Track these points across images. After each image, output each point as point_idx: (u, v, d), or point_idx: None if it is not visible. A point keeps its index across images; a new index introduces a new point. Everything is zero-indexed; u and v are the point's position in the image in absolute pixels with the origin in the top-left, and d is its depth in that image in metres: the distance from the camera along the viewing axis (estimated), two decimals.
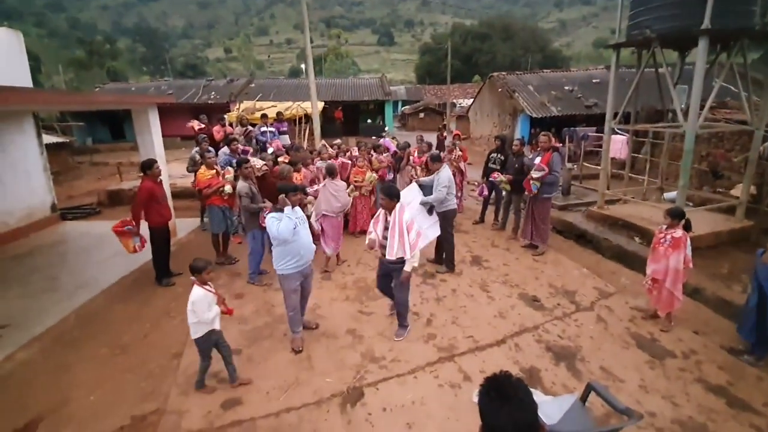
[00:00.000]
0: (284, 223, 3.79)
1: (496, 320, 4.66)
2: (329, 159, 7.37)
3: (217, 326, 3.48)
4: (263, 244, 5.61)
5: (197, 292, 3.36)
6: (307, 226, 4.14)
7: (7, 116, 7.78)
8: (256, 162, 6.41)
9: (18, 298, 5.26)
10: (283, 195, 3.93)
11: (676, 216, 4.29)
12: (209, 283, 3.48)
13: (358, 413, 3.32)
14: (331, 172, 5.95)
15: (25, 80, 8.05)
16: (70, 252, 7.07)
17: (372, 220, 4.28)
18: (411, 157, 7.94)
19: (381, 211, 4.16)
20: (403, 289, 4.22)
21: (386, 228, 4.04)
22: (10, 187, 7.69)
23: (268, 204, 5.34)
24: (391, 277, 4.28)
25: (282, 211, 3.89)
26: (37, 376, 3.88)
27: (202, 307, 3.34)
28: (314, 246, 4.18)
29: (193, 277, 3.41)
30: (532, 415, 1.38)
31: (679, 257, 4.18)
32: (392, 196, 4.01)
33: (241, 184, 5.42)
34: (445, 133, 16.08)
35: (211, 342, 3.51)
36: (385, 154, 7.87)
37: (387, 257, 4.01)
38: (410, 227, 3.95)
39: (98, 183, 13.18)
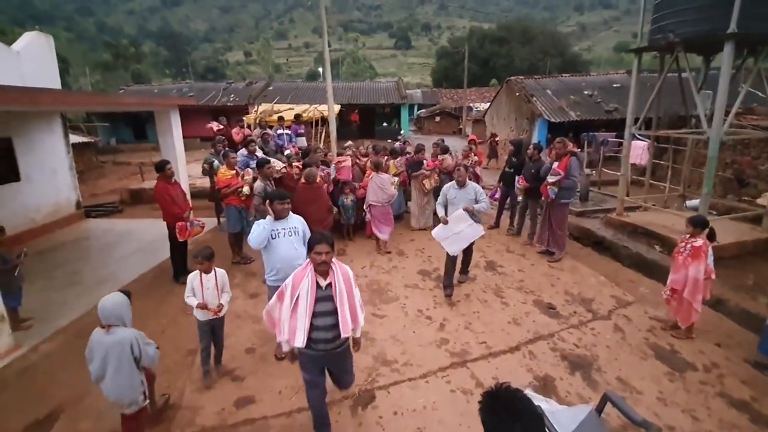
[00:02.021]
0: (256, 232, 3.54)
1: (510, 327, 4.60)
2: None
3: (201, 317, 3.58)
4: None
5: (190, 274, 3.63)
6: (297, 240, 3.68)
7: (37, 116, 8.08)
8: (277, 163, 6.52)
9: (42, 291, 5.43)
10: (268, 202, 3.72)
11: (698, 224, 4.16)
12: (202, 273, 3.57)
13: (369, 416, 3.32)
14: (377, 167, 6.72)
15: (54, 82, 8.36)
16: (93, 248, 7.29)
17: (280, 294, 2.80)
18: (425, 162, 7.87)
19: (307, 275, 2.69)
20: (351, 368, 3.14)
21: (319, 299, 2.68)
22: (37, 185, 7.98)
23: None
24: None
25: (266, 218, 3.66)
26: (59, 368, 4.00)
27: (187, 288, 3.57)
28: (299, 263, 3.49)
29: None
30: (543, 426, 1.37)
31: (699, 267, 4.04)
32: (330, 241, 2.72)
33: (258, 184, 5.52)
34: (497, 139, 16.59)
35: (202, 329, 3.64)
36: (399, 159, 7.86)
37: (343, 334, 2.71)
38: (353, 282, 2.84)
39: (121, 182, 13.56)
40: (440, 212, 5.20)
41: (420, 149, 7.88)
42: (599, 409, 2.54)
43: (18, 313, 4.60)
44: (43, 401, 3.54)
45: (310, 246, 2.71)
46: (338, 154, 7.72)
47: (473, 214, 5.00)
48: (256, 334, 4.51)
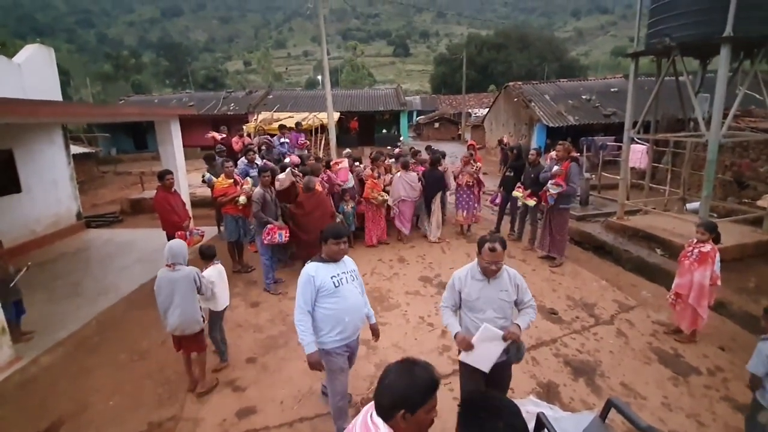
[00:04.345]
0: (301, 321, 2.76)
1: None
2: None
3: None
4: (270, 256, 5.66)
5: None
6: (360, 284, 3.04)
7: (38, 128, 8.12)
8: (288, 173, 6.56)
9: (43, 303, 5.42)
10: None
11: (713, 230, 4.09)
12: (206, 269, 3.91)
13: None
14: (405, 166, 7.23)
15: (55, 94, 8.42)
16: (93, 259, 7.29)
17: None
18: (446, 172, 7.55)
19: None
20: None
21: None
22: (38, 196, 8.00)
23: (275, 222, 5.50)
24: None
25: (325, 261, 2.86)
26: (60, 380, 3.98)
27: None
28: (366, 312, 3.07)
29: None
30: (522, 418, 1.40)
31: (705, 273, 4.01)
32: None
33: (257, 191, 5.53)
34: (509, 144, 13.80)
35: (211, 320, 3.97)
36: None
37: None
38: None
39: (121, 192, 13.58)
40: (447, 321, 2.91)
41: (437, 159, 7.52)
42: (603, 416, 2.51)
43: (19, 324, 4.57)
44: (43, 413, 3.51)
45: (420, 399, 1.43)
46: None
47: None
48: (257, 343, 4.49)
